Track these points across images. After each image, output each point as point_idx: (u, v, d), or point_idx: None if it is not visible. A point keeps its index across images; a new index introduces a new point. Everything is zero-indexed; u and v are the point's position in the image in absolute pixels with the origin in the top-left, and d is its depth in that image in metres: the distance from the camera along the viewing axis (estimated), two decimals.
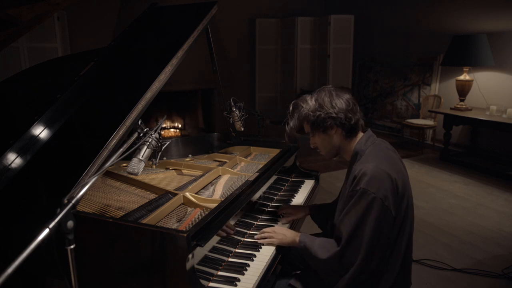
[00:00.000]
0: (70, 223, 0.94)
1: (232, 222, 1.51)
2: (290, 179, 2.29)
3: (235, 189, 1.61)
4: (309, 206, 1.84)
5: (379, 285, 1.33)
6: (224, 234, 1.46)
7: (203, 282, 1.22)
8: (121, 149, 1.19)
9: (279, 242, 1.50)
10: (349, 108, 1.39)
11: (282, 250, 1.52)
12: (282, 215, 1.78)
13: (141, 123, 1.33)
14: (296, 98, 1.49)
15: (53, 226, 0.90)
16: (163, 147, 1.32)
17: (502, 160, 4.63)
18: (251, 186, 1.66)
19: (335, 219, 1.42)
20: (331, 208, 1.71)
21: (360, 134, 1.45)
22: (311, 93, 1.46)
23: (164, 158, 2.31)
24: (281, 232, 1.53)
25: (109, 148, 1.38)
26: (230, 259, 1.43)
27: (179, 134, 6.37)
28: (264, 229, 1.58)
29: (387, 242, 1.30)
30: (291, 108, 1.48)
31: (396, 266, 1.33)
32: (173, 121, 6.43)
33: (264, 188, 1.84)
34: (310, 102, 1.42)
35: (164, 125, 6.19)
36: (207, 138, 2.60)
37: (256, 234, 1.58)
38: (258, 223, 1.72)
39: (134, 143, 1.26)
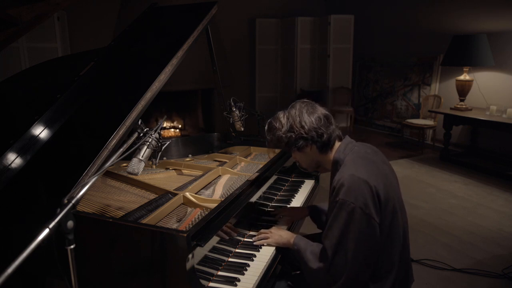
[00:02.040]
0: (70, 223, 0.94)
1: (232, 222, 1.51)
2: (290, 179, 2.29)
3: (235, 189, 1.61)
4: (308, 206, 1.84)
5: None
6: (226, 237, 1.46)
7: (203, 282, 1.22)
8: (121, 149, 1.19)
9: (275, 242, 1.52)
10: (320, 124, 1.39)
11: (281, 250, 1.52)
12: (281, 216, 1.78)
13: (141, 123, 1.33)
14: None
15: (53, 226, 0.90)
16: (163, 147, 1.32)
17: (502, 160, 4.63)
18: (251, 186, 1.66)
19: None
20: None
21: (338, 144, 1.45)
22: (284, 110, 1.46)
23: (164, 158, 2.31)
24: (278, 232, 1.54)
25: (109, 148, 1.38)
26: (230, 259, 1.43)
27: (179, 134, 6.37)
28: (262, 230, 1.59)
29: (376, 249, 1.28)
30: (266, 127, 1.50)
31: (393, 270, 1.32)
32: (173, 121, 6.43)
33: (264, 188, 1.84)
34: (282, 121, 1.42)
35: (164, 125, 6.19)
36: (207, 138, 2.60)
37: (256, 235, 1.58)
38: (258, 223, 1.72)
39: (134, 143, 1.26)
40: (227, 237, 1.46)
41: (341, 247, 1.26)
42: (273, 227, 1.62)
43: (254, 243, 1.54)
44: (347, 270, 1.24)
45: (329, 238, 1.29)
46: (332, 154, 1.43)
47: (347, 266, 1.24)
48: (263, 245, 1.53)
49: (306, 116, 1.39)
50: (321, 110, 1.43)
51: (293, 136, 1.39)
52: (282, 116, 1.44)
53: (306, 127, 1.38)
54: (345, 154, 1.40)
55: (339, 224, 1.26)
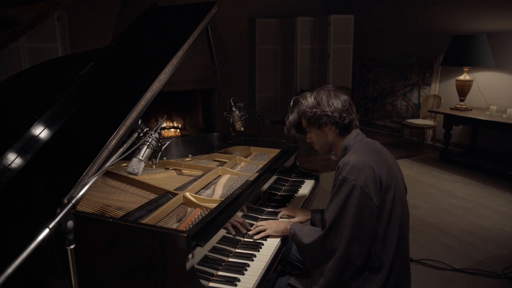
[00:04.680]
0: (70, 223, 0.94)
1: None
2: (290, 179, 2.29)
3: (235, 189, 1.61)
4: (312, 210, 1.83)
5: (371, 282, 1.34)
6: (233, 233, 1.51)
7: (203, 282, 1.22)
8: (121, 149, 1.19)
9: (273, 231, 1.58)
10: (345, 108, 1.47)
11: (284, 243, 1.56)
12: (283, 216, 1.79)
13: (141, 123, 1.33)
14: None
15: (53, 226, 0.90)
16: (163, 147, 1.32)
17: (502, 160, 4.63)
18: (251, 186, 1.66)
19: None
20: None
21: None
22: (311, 91, 1.54)
23: (164, 158, 2.31)
24: (274, 223, 1.62)
25: (109, 148, 1.38)
26: (230, 259, 1.43)
27: (179, 134, 6.37)
28: (258, 223, 1.64)
29: (371, 233, 1.33)
30: (292, 103, 1.57)
31: (387, 262, 1.34)
32: (173, 121, 6.43)
33: (264, 188, 1.84)
34: (309, 99, 1.51)
35: (164, 125, 6.19)
36: (207, 138, 2.60)
37: (255, 235, 1.58)
38: (258, 223, 1.71)
39: (134, 143, 1.26)
40: (234, 232, 1.51)
41: (338, 221, 1.33)
42: (269, 220, 1.68)
43: (254, 237, 1.57)
44: (341, 245, 1.30)
45: (329, 212, 1.37)
46: (345, 140, 1.51)
47: (341, 240, 1.31)
48: (263, 238, 1.57)
49: (334, 97, 1.48)
50: (346, 97, 1.51)
51: (318, 112, 1.46)
52: (310, 95, 1.52)
53: (332, 106, 1.46)
54: (355, 141, 1.48)
55: (339, 200, 1.33)
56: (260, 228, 1.60)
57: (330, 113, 1.45)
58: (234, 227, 1.53)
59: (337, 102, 1.46)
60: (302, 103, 1.51)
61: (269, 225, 1.61)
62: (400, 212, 1.38)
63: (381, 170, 1.35)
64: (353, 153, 1.41)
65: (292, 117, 1.56)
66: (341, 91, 1.52)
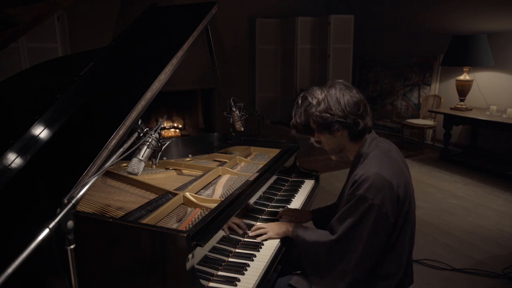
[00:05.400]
0: (70, 223, 0.94)
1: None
2: (290, 179, 2.29)
3: (235, 189, 1.61)
4: (312, 210, 1.83)
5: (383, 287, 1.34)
6: (227, 233, 1.47)
7: (203, 282, 1.22)
8: (121, 149, 1.19)
9: (275, 234, 1.54)
10: (359, 112, 1.35)
11: (285, 244, 1.54)
12: (282, 217, 1.79)
13: (141, 123, 1.33)
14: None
15: (53, 226, 0.90)
16: (163, 147, 1.32)
17: (502, 160, 4.63)
18: (251, 186, 1.66)
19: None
20: (333, 211, 1.71)
21: (366, 136, 1.44)
22: (321, 87, 1.40)
23: (164, 158, 2.31)
24: (276, 225, 1.58)
25: (109, 148, 1.38)
26: (230, 259, 1.43)
27: (179, 134, 6.37)
28: (258, 225, 1.61)
29: (383, 248, 1.30)
30: (299, 100, 1.43)
31: (401, 268, 1.34)
32: (173, 121, 6.43)
33: (264, 188, 1.84)
34: (319, 97, 1.36)
35: (164, 125, 6.20)
36: (207, 138, 2.60)
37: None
38: (258, 223, 1.71)
39: (134, 143, 1.26)
40: (228, 233, 1.47)
41: (351, 237, 1.27)
42: (270, 223, 1.64)
43: (257, 239, 1.54)
44: (354, 261, 1.26)
45: (340, 223, 1.31)
46: (358, 145, 1.42)
47: (353, 255, 1.26)
48: (265, 240, 1.54)
49: (348, 99, 1.33)
50: (360, 96, 1.38)
51: (329, 118, 1.33)
52: (320, 93, 1.37)
53: (346, 110, 1.32)
54: (370, 149, 1.38)
55: (354, 217, 1.27)
56: (262, 231, 1.56)
57: (342, 120, 1.32)
58: (230, 229, 1.50)
59: (349, 105, 1.33)
60: (311, 103, 1.36)
61: (270, 227, 1.56)
62: (412, 220, 1.37)
63: (399, 184, 1.29)
64: (370, 164, 1.31)
65: (299, 118, 1.41)
66: (354, 88, 1.38)
